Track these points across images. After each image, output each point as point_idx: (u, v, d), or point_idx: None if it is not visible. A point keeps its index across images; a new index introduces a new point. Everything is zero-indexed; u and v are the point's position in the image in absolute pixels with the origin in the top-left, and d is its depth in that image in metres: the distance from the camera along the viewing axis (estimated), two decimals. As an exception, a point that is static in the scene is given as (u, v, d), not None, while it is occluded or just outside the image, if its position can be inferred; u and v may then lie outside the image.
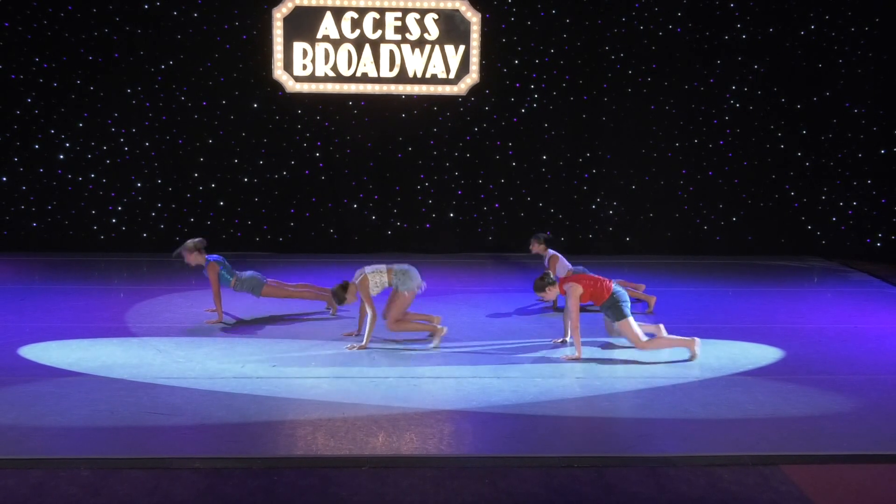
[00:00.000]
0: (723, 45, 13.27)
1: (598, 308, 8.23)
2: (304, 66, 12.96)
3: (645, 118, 13.42)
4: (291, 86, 13.02)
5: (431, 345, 8.23)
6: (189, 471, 5.49)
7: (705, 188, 13.63)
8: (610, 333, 8.39)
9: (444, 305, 9.66)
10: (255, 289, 9.23)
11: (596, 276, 8.28)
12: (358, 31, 12.90)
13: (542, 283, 8.15)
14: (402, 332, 8.43)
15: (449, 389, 7.09)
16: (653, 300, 9.71)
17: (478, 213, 13.64)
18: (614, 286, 8.03)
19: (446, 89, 13.13)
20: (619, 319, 7.91)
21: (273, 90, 13.08)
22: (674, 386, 7.21)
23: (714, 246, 13.70)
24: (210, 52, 12.98)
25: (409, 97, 13.22)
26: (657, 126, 13.45)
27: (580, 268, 9.65)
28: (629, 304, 7.99)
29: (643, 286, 9.95)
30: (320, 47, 12.93)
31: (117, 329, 8.81)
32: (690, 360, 7.86)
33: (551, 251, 9.96)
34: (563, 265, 9.76)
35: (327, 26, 12.88)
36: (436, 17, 12.95)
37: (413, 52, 12.99)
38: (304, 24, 12.87)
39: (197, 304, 9.89)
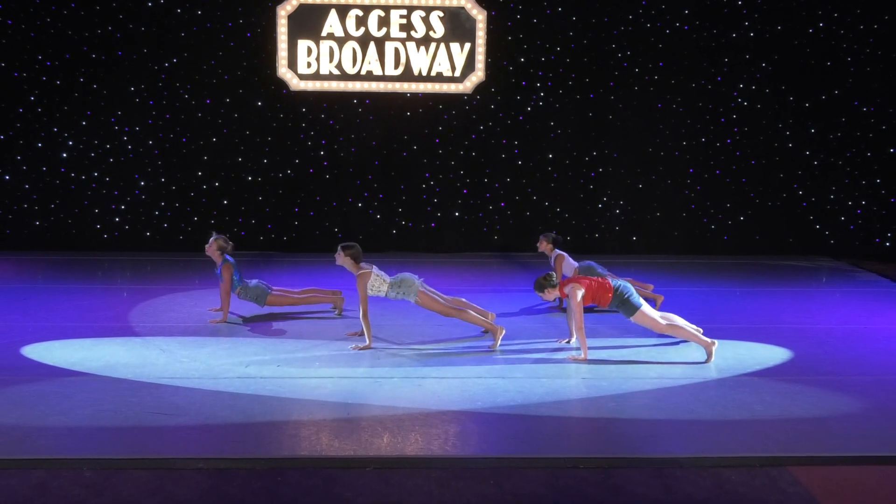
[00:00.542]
0: (730, 43, 13.22)
1: (605, 309, 8.18)
2: (309, 64, 12.93)
3: (652, 117, 13.38)
4: (296, 84, 12.99)
5: (490, 344, 8.27)
6: (193, 471, 5.48)
7: (712, 187, 13.58)
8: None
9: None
10: (259, 298, 9.23)
11: (595, 277, 8.26)
12: (363, 29, 12.87)
13: (542, 284, 8.12)
14: (458, 319, 8.46)
15: (454, 390, 7.05)
16: (660, 299, 9.68)
17: (483, 212, 13.61)
18: (614, 283, 7.99)
19: (452, 87, 13.10)
20: (633, 313, 7.88)
21: (277, 88, 13.06)
22: (680, 387, 7.18)
23: (721, 245, 13.66)
24: (214, 49, 12.97)
25: (415, 95, 13.19)
26: (664, 125, 13.41)
27: (590, 262, 9.65)
28: (635, 294, 7.96)
29: (651, 286, 9.91)
30: (325, 45, 12.90)
31: (121, 328, 8.80)
32: (706, 362, 7.79)
33: (557, 251, 9.92)
34: (569, 264, 9.75)
35: (332, 24, 12.85)
36: (441, 14, 12.91)
37: (418, 50, 12.95)
38: (308, 22, 12.85)
39: (201, 303, 9.89)
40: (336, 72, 12.97)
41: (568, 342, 8.36)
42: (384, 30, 12.89)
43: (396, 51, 12.96)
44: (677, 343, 8.36)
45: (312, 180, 13.39)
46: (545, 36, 13.20)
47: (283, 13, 12.83)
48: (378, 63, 12.96)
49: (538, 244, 10.10)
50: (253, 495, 5.21)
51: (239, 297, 9.31)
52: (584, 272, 9.55)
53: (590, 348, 7.96)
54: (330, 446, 5.89)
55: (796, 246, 13.64)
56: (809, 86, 13.30)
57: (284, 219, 13.49)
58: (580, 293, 7.83)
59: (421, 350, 8.17)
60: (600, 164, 13.54)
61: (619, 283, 8.02)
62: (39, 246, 13.13)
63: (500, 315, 9.12)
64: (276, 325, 9.13)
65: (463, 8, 12.94)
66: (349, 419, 6.33)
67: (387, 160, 13.41)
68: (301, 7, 12.84)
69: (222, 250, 9.11)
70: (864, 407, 6.72)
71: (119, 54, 12.89)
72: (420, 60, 12.99)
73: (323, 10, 12.84)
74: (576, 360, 7.82)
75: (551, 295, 8.21)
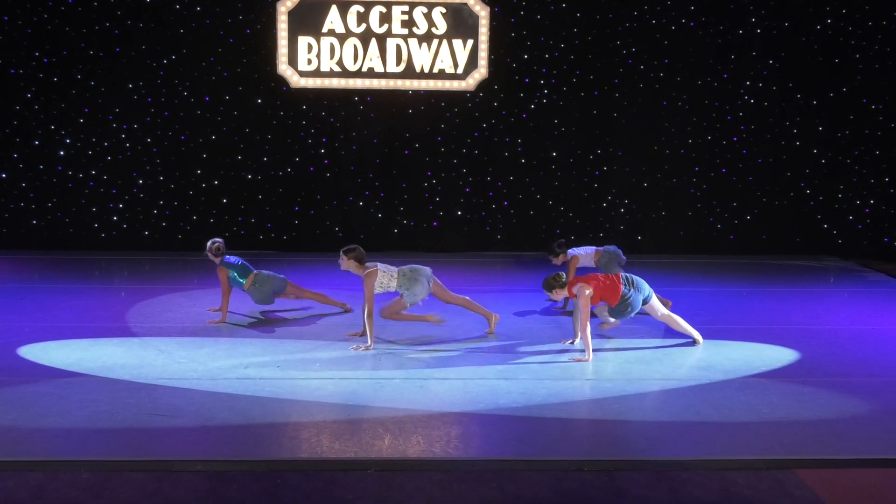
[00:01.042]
0: (737, 40, 13.13)
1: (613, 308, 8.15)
2: (309, 61, 12.85)
3: (657, 114, 13.30)
4: (296, 81, 12.91)
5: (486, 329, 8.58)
6: (191, 473, 5.47)
7: (719, 186, 13.49)
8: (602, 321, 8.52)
9: (451, 305, 9.53)
10: (278, 286, 9.20)
11: (607, 275, 8.22)
12: (364, 25, 12.79)
13: (550, 283, 8.10)
14: (393, 321, 8.58)
15: (456, 391, 7.01)
16: (668, 304, 9.54)
17: (486, 210, 13.54)
18: (624, 289, 7.97)
19: (454, 84, 13.03)
20: (647, 303, 8.13)
21: (277, 85, 13.00)
22: (686, 388, 7.14)
23: (728, 245, 13.58)
24: (213, 46, 12.91)
25: (416, 92, 13.12)
26: (669, 122, 13.32)
27: (615, 248, 9.77)
28: (644, 283, 8.12)
29: (670, 303, 9.72)
30: (325, 41, 12.82)
31: (118, 329, 8.77)
32: (694, 344, 8.26)
33: (569, 253, 9.78)
34: (586, 256, 9.70)
35: (333, 20, 12.77)
36: (443, 10, 12.83)
37: (420, 46, 12.86)
38: (308, 18, 12.77)
39: (199, 303, 9.86)
40: (337, 69, 12.89)
41: (572, 343, 8.31)
42: (386, 26, 12.81)
43: (398, 47, 12.87)
44: (682, 344, 8.32)
45: (313, 179, 13.32)
46: (549, 32, 13.12)
47: (283, 9, 12.75)
48: (379, 60, 12.88)
49: (551, 260, 9.88)
50: (252, 498, 5.18)
51: (246, 291, 9.19)
52: (606, 257, 9.63)
53: (594, 350, 7.92)
54: (330, 448, 5.87)
55: (804, 245, 13.55)
56: (817, 83, 13.20)
57: (284, 218, 13.42)
58: (587, 292, 7.80)
59: (423, 351, 8.12)
60: (605, 163, 13.45)
61: (630, 291, 7.96)
62: (36, 245, 13.06)
63: (503, 315, 9.06)
64: (276, 325, 9.10)
65: (466, 4, 12.86)
66: (350, 421, 6.32)
67: (388, 158, 13.34)
68: (301, 3, 12.76)
69: (211, 252, 9.15)
70: (872, 409, 6.68)
71: (117, 51, 12.82)
72: (422, 57, 12.91)
73: (324, 6, 12.76)
74: (579, 362, 7.77)
75: (559, 295, 8.24)
